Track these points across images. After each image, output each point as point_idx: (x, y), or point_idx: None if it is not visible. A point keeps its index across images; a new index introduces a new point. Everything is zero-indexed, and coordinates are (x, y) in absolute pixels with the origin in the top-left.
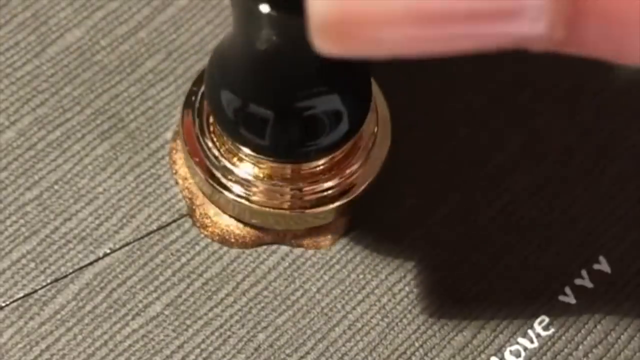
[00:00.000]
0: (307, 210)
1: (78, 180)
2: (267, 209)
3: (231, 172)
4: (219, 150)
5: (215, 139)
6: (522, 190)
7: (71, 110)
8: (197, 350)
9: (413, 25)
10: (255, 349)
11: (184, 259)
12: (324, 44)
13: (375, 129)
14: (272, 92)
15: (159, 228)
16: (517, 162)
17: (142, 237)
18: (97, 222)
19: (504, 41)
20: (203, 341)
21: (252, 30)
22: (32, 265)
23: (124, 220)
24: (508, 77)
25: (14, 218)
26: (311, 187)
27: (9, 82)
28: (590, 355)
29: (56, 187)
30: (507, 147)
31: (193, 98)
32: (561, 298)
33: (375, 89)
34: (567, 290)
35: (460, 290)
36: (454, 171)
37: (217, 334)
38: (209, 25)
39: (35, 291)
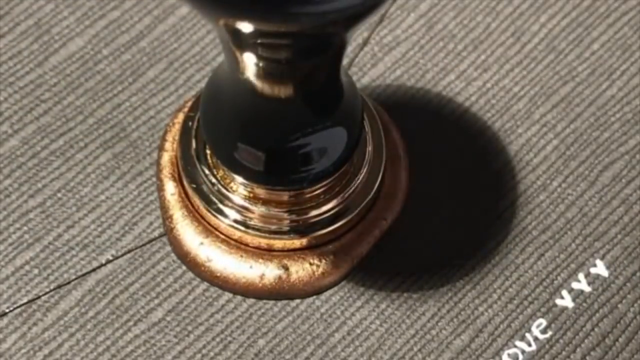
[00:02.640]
0: (306, 235)
1: (81, 189)
2: (265, 235)
3: (228, 198)
4: (215, 177)
5: (212, 165)
6: (519, 196)
7: (74, 119)
8: (199, 356)
9: None
10: (256, 355)
11: (184, 266)
12: None
13: (370, 148)
14: (263, 136)
15: (161, 235)
16: (513, 169)
17: (144, 245)
18: (99, 229)
19: None
20: (204, 347)
21: (239, 73)
22: (36, 271)
23: (126, 228)
24: (504, 85)
25: (17, 225)
26: (309, 212)
27: (12, 90)
28: (588, 357)
29: (59, 194)
30: (502, 155)
31: (190, 123)
32: (558, 301)
33: (368, 107)
34: (565, 293)
35: (458, 294)
36: (451, 179)
37: (218, 339)
38: (210, 35)
39: (39, 297)
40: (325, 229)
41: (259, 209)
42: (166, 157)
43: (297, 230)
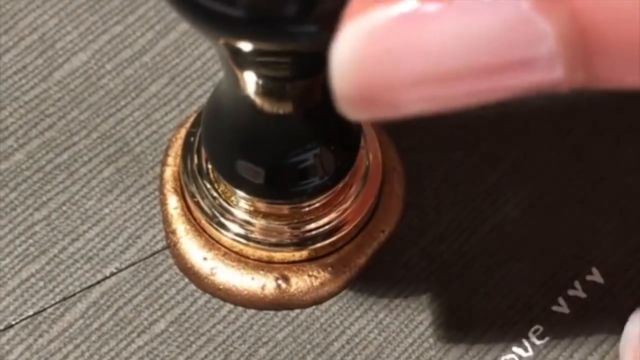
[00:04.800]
0: (306, 248)
1: (85, 202)
2: (266, 247)
3: (229, 212)
4: (216, 191)
5: (213, 180)
6: (515, 206)
7: (78, 134)
8: None
9: (430, 88)
10: None
11: (187, 278)
12: (352, 113)
13: (367, 162)
14: (262, 152)
15: (164, 248)
16: (510, 180)
17: (147, 257)
18: (103, 242)
19: (525, 90)
20: (206, 357)
21: (239, 90)
22: (41, 284)
23: (130, 241)
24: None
25: (23, 238)
26: (308, 225)
27: (18, 105)
28: None
29: (64, 208)
30: (500, 166)
31: (192, 139)
32: (555, 308)
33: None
34: (561, 300)
35: (456, 303)
36: (449, 190)
37: (219, 349)
38: (211, 50)
39: (44, 309)
40: (324, 241)
41: (259, 222)
42: (169, 172)
43: (297, 243)
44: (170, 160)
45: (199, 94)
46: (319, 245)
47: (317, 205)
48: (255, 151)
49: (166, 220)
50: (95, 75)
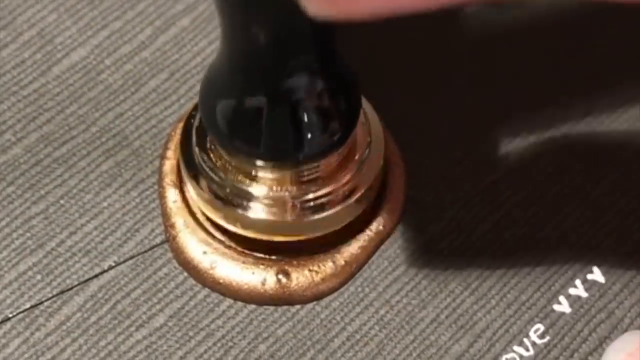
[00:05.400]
0: (307, 219)
1: (83, 195)
2: (268, 219)
3: (228, 203)
4: (215, 182)
5: (213, 156)
6: (516, 205)
7: (77, 128)
8: None
9: None
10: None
11: (186, 272)
12: (314, 7)
13: (369, 139)
14: (262, 79)
15: (162, 242)
16: (511, 179)
17: (145, 251)
18: (101, 235)
19: None
20: (205, 352)
21: (239, 20)
22: (39, 277)
23: (128, 234)
24: (501, 97)
25: (20, 231)
26: (309, 195)
27: (16, 99)
28: None
29: (62, 201)
30: (500, 166)
31: (192, 121)
32: (556, 307)
33: (368, 106)
34: (562, 299)
35: (456, 300)
36: (450, 188)
37: (219, 344)
38: (211, 46)
39: (42, 302)
40: (326, 230)
41: (260, 192)
42: (168, 165)
43: (297, 227)
44: (169, 153)
45: (198, 89)
46: (319, 234)
47: (317, 174)
48: (254, 78)
49: (165, 214)
50: (95, 70)
